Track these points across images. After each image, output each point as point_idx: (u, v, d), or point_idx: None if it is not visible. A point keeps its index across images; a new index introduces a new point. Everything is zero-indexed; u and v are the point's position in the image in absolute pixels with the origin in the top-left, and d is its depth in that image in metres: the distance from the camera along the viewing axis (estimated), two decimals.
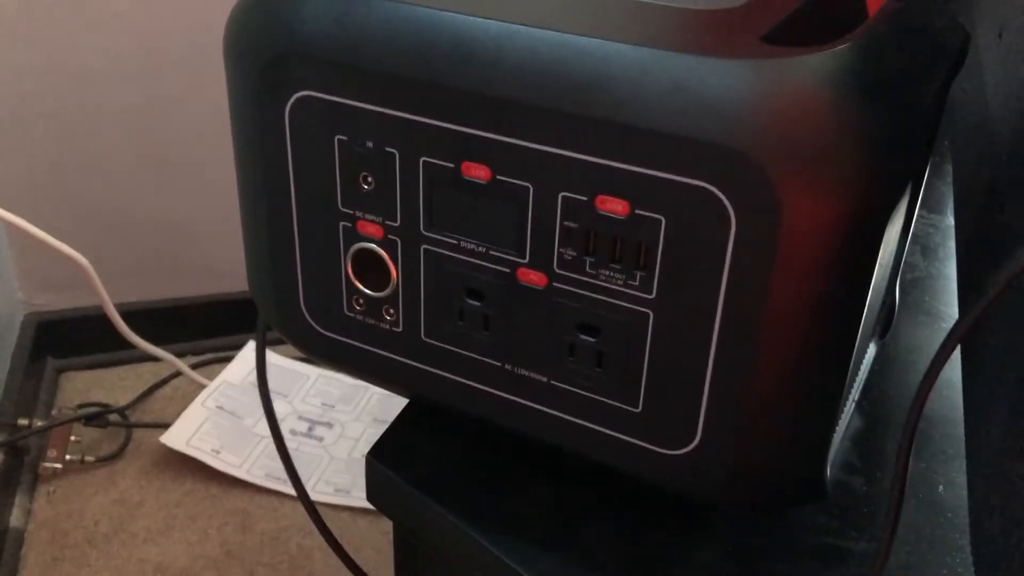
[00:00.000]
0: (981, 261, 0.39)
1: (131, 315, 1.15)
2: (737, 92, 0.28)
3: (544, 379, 0.36)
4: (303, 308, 0.40)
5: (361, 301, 0.39)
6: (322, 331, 0.40)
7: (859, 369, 0.42)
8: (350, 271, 0.38)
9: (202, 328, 1.32)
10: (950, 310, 0.54)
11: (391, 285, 0.37)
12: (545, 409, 0.36)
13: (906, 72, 0.31)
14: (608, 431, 0.35)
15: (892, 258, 0.43)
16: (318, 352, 0.41)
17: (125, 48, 1.14)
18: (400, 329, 0.38)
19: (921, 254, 0.61)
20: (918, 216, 0.66)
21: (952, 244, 0.61)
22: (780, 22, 0.32)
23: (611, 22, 0.32)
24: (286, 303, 0.41)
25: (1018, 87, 0.38)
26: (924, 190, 0.70)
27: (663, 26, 0.32)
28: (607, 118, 0.30)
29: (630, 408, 0.35)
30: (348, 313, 0.39)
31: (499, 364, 0.37)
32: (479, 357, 0.37)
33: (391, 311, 0.38)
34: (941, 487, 0.41)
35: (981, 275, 0.37)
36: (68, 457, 1.07)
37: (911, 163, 0.30)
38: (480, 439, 0.42)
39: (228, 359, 1.26)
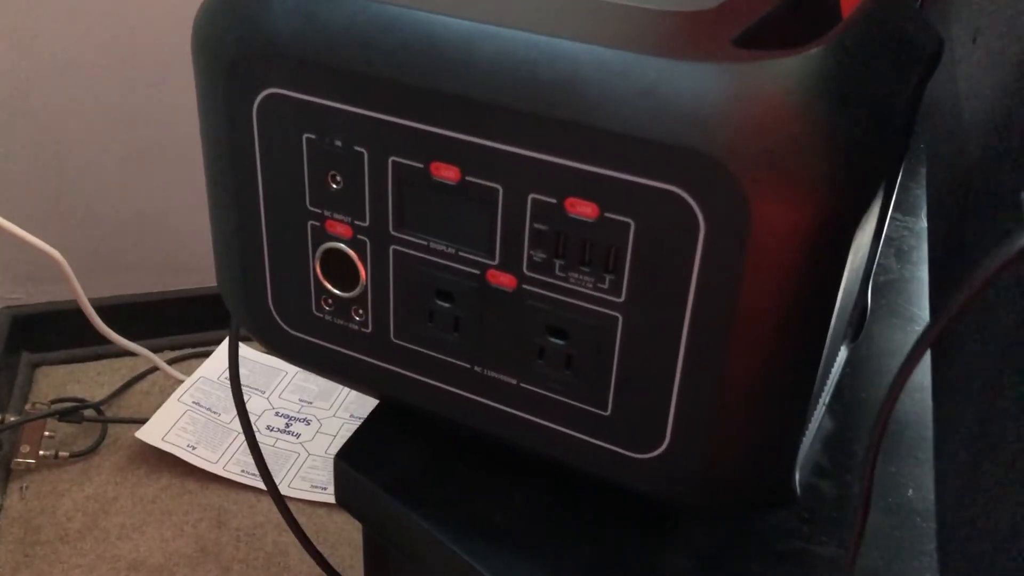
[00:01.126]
0: (952, 266, 0.39)
1: (108, 310, 1.13)
2: (707, 96, 0.28)
3: (514, 381, 0.36)
4: (272, 308, 0.40)
5: (330, 301, 0.38)
6: (291, 331, 0.40)
7: (830, 372, 0.42)
8: (319, 271, 0.38)
9: (180, 323, 1.31)
10: (923, 313, 0.55)
11: (360, 285, 0.37)
12: (515, 412, 0.36)
13: (877, 77, 0.31)
14: (578, 434, 0.35)
15: (864, 262, 0.43)
16: (287, 352, 0.41)
17: (99, 42, 1.13)
18: (369, 330, 0.38)
19: (895, 257, 0.61)
20: (892, 219, 0.66)
21: (926, 247, 0.61)
22: (752, 25, 0.32)
23: (583, 24, 0.32)
24: (254, 303, 0.40)
25: (990, 93, 0.38)
26: (899, 193, 0.71)
27: (634, 28, 0.32)
28: (577, 120, 0.30)
29: (600, 411, 0.34)
30: (317, 313, 0.39)
31: (469, 366, 0.36)
32: (449, 359, 0.37)
33: (360, 312, 0.38)
34: (911, 491, 0.41)
35: (952, 280, 0.37)
36: (42, 453, 1.06)
37: (882, 168, 0.30)
38: (451, 441, 0.41)
39: (206, 354, 1.26)
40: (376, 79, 0.32)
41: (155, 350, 1.18)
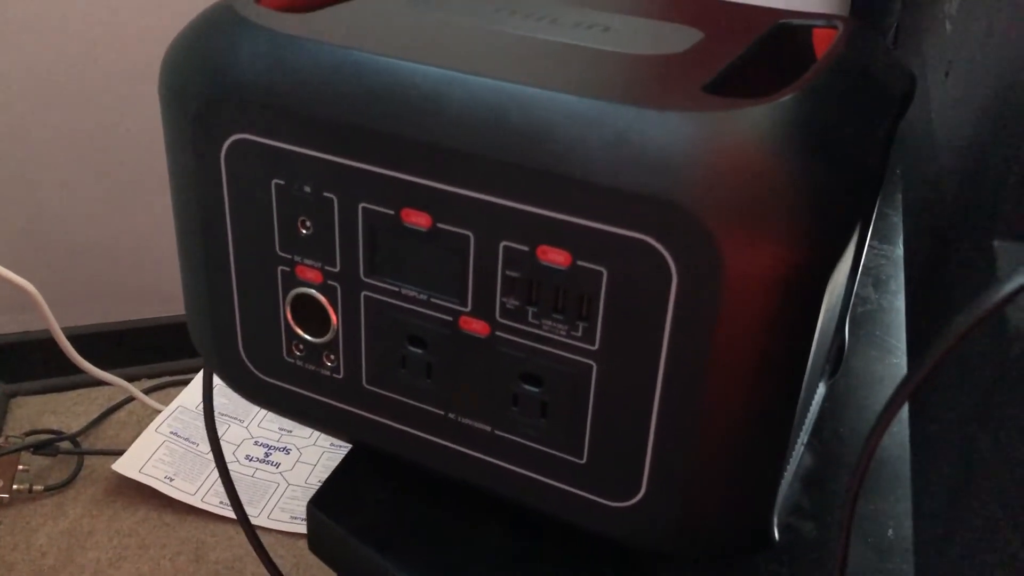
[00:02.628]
0: (928, 303, 0.39)
1: (85, 338, 1.12)
2: (677, 145, 0.28)
3: (488, 428, 0.35)
4: (242, 352, 0.39)
5: (301, 347, 0.38)
6: (262, 376, 0.39)
7: (808, 411, 0.42)
8: (289, 316, 0.37)
9: (157, 351, 1.29)
10: (901, 345, 0.54)
11: (331, 331, 0.37)
12: (489, 459, 0.36)
13: (849, 122, 0.31)
14: (553, 482, 0.35)
15: (840, 299, 0.43)
16: (258, 397, 0.40)
17: (70, 70, 1.12)
18: (341, 376, 0.37)
19: (873, 286, 0.61)
20: (870, 247, 0.66)
21: (903, 277, 0.61)
22: (723, 70, 0.32)
23: (552, 70, 0.31)
24: (225, 347, 0.40)
25: (963, 131, 0.38)
26: (876, 219, 0.71)
27: (605, 75, 0.31)
28: (547, 169, 0.29)
29: (575, 459, 0.34)
30: (288, 359, 0.38)
31: (442, 413, 0.36)
32: (422, 405, 0.36)
33: (332, 357, 0.37)
34: (890, 530, 0.41)
35: (928, 318, 0.37)
36: (15, 487, 1.04)
37: (855, 213, 0.30)
38: (425, 486, 0.41)
39: (184, 382, 1.24)
40: (345, 126, 0.32)
41: (133, 378, 1.17)
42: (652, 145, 0.28)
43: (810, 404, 0.42)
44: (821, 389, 0.45)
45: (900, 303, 0.59)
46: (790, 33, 0.40)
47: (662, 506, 0.33)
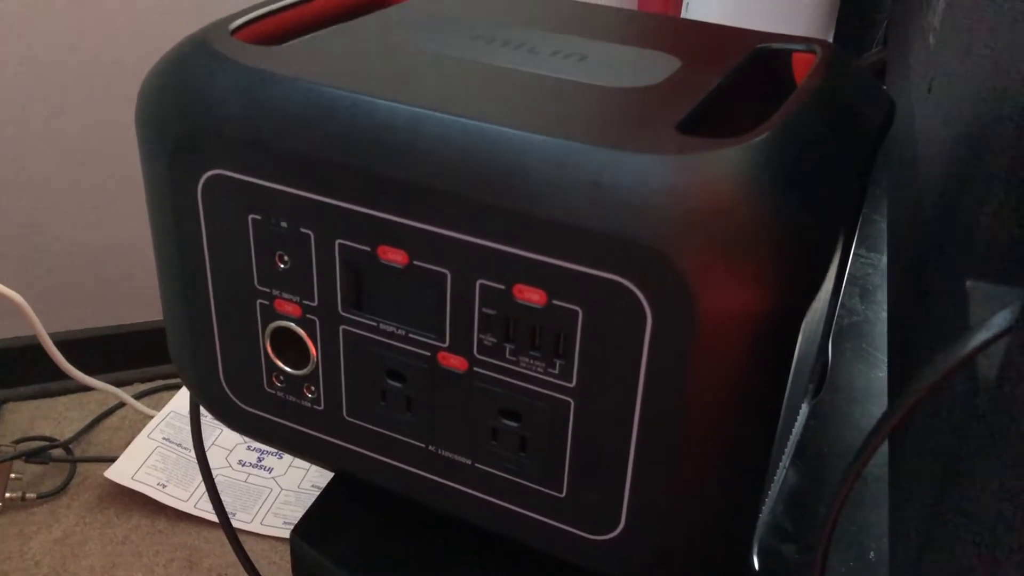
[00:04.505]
0: (907, 335, 0.38)
1: (76, 344, 1.12)
2: (650, 188, 0.28)
3: (468, 462, 0.35)
4: (223, 383, 0.39)
5: (281, 378, 0.38)
6: (243, 406, 0.39)
7: (789, 434, 0.42)
8: (269, 349, 0.37)
9: (150, 356, 1.29)
10: (886, 358, 0.55)
11: (311, 364, 0.36)
12: (471, 491, 0.36)
13: (824, 158, 0.31)
14: (534, 515, 0.35)
15: (823, 319, 0.43)
16: (240, 426, 0.40)
17: (57, 74, 1.11)
18: (322, 407, 0.37)
19: (860, 297, 0.61)
20: (857, 255, 0.66)
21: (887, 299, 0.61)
22: (697, 106, 0.32)
23: (527, 108, 0.31)
24: (206, 377, 0.40)
25: (943, 151, 0.38)
26: (863, 226, 0.71)
27: (580, 112, 0.31)
28: (521, 209, 0.29)
29: (555, 493, 0.34)
30: (269, 389, 0.38)
31: (423, 445, 0.36)
32: (402, 438, 0.36)
33: (312, 389, 0.37)
34: (872, 553, 0.41)
35: (904, 358, 0.37)
36: (8, 495, 1.04)
37: (830, 251, 0.30)
38: (409, 514, 0.41)
39: (178, 386, 1.24)
40: (319, 163, 0.32)
41: (126, 383, 1.17)
42: (625, 187, 0.28)
43: (792, 427, 0.42)
44: (804, 409, 0.45)
45: (886, 315, 0.59)
46: (770, 58, 0.40)
47: (642, 540, 0.33)
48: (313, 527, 0.40)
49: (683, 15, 0.90)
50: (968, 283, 0.27)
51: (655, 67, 0.36)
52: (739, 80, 0.36)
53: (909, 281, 0.39)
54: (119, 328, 1.28)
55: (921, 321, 0.34)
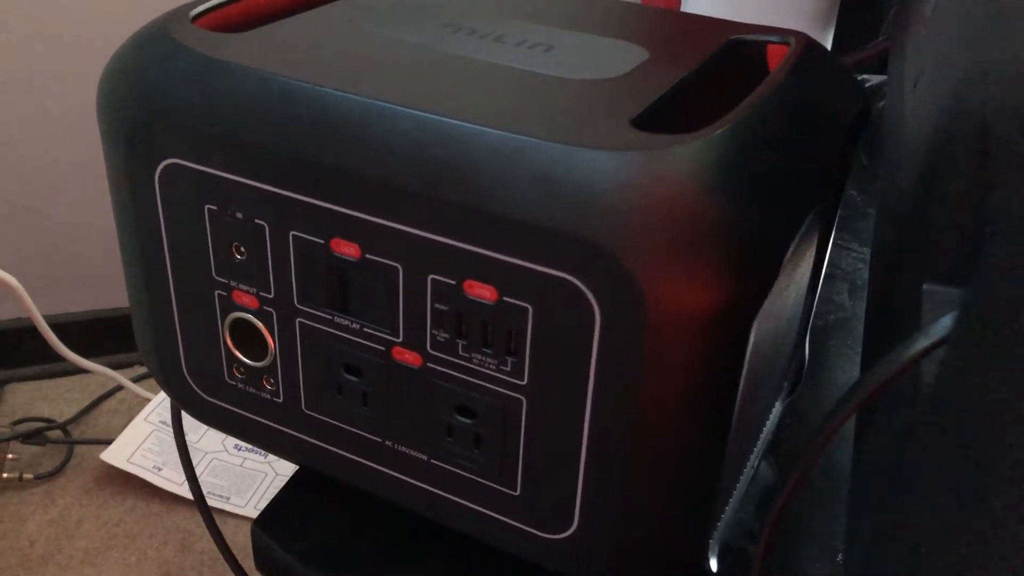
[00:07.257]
0: (878, 327, 0.38)
1: (75, 326, 1.12)
2: (599, 184, 0.27)
3: (424, 457, 0.35)
4: (185, 373, 0.39)
5: (241, 369, 0.37)
6: (206, 397, 0.39)
7: (759, 433, 0.41)
8: (228, 340, 0.37)
9: None
10: None
11: (269, 355, 0.36)
12: (427, 487, 0.35)
13: (785, 155, 0.30)
14: (490, 512, 0.34)
15: (796, 319, 0.42)
16: (204, 416, 0.40)
17: (49, 56, 1.11)
18: (281, 400, 0.37)
19: (848, 293, 0.60)
20: (847, 249, 0.65)
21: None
22: (656, 101, 0.31)
23: (481, 99, 0.31)
24: (169, 367, 0.39)
25: (917, 151, 0.37)
26: (855, 218, 0.70)
27: (532, 106, 0.31)
28: (470, 204, 0.29)
29: (509, 491, 0.33)
30: (230, 381, 0.38)
31: (380, 440, 0.35)
32: (360, 432, 0.36)
33: (271, 381, 0.37)
34: (840, 556, 0.40)
35: (872, 346, 0.36)
36: (5, 475, 1.05)
37: (782, 251, 0.29)
38: (372, 508, 0.40)
39: None
40: (272, 153, 0.31)
41: (124, 365, 1.17)
42: (574, 183, 0.27)
43: (762, 426, 0.42)
44: (777, 408, 0.44)
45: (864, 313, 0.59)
46: (743, 50, 0.39)
47: (595, 539, 0.32)
48: (275, 519, 0.40)
49: (683, 8, 0.89)
50: (925, 286, 0.27)
51: (622, 58, 0.35)
52: (709, 73, 0.36)
53: (882, 280, 0.38)
54: (119, 311, 1.29)
55: (886, 322, 0.33)
